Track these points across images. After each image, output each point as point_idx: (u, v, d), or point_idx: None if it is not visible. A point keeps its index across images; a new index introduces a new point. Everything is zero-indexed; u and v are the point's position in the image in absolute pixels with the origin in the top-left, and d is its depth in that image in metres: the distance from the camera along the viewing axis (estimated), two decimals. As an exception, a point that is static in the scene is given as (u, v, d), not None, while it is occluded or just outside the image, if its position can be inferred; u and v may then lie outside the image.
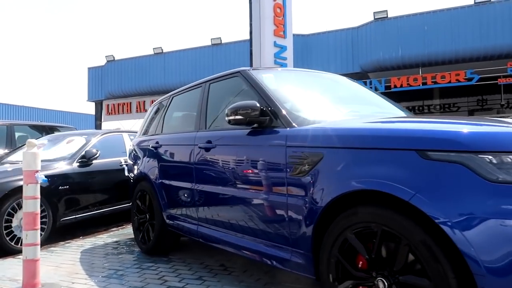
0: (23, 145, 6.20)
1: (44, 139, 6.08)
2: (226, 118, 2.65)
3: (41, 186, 4.47)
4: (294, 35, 19.00)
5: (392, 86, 17.58)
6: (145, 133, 4.58)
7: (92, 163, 5.29)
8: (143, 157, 4.23)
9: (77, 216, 5.00)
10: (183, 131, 3.64)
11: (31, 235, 2.82)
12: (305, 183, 2.18)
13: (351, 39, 18.17)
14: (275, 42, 10.21)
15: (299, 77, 3.40)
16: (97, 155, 5.29)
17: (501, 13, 15.46)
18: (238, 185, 2.70)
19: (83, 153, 5.25)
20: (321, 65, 17.70)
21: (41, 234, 4.40)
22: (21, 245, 4.22)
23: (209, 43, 20.48)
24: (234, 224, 2.76)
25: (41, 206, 4.44)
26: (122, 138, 6.16)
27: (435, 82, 16.96)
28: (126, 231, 5.16)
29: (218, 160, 2.97)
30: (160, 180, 3.74)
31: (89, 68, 24.82)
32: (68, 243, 4.57)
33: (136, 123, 24.39)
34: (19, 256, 3.98)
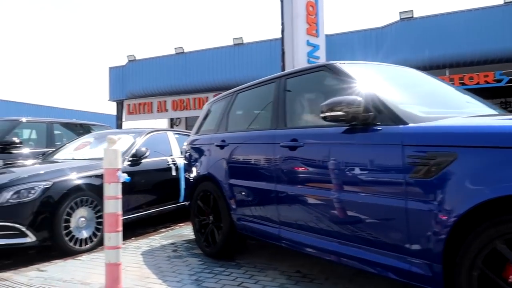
0: (69, 141, 6.13)
1: (89, 137, 5.98)
2: (322, 115, 2.47)
3: (94, 186, 4.47)
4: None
5: (419, 87, 17.24)
6: (203, 131, 4.44)
7: (141, 162, 5.16)
8: (205, 156, 4.08)
9: (128, 217, 4.87)
10: (256, 129, 3.49)
11: (113, 238, 2.68)
12: (432, 186, 1.99)
13: (375, 39, 17.87)
14: (308, 41, 10.06)
15: (387, 71, 3.21)
16: (147, 154, 5.16)
17: (534, 12, 15.06)
18: (337, 187, 2.51)
19: (134, 151, 5.13)
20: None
21: (95, 236, 4.34)
22: (79, 246, 4.17)
23: (231, 43, 20.35)
24: (331, 230, 2.57)
25: (97, 206, 4.39)
26: (167, 137, 6.03)
27: (463, 83, 16.58)
28: (177, 232, 5.02)
29: (309, 160, 2.80)
30: (229, 180, 3.58)
31: (110, 68, 24.90)
32: (123, 244, 4.43)
33: (156, 123, 24.46)
34: (79, 258, 3.89)
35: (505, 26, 15.33)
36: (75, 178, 4.27)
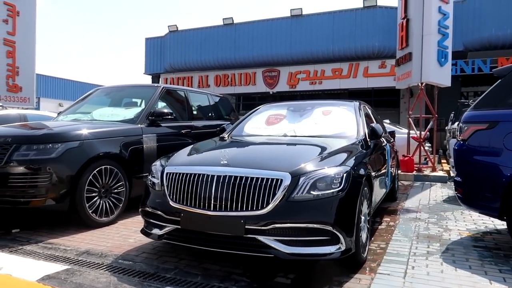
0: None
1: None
2: None
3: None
4: (391, 8, 17.38)
5: (500, 66, 15.95)
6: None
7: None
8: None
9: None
10: None
11: None
12: None
13: (454, 14, 16.46)
14: (440, 7, 8.71)
15: None
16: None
17: None
18: None
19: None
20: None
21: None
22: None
23: (288, 15, 18.90)
24: None
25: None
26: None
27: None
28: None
29: None
30: None
31: (147, 39, 23.45)
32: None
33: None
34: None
35: None
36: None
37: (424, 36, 8.60)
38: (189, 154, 3.29)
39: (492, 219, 4.37)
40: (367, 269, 2.83)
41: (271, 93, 20.11)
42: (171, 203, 2.77)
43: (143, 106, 5.08)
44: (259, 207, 2.51)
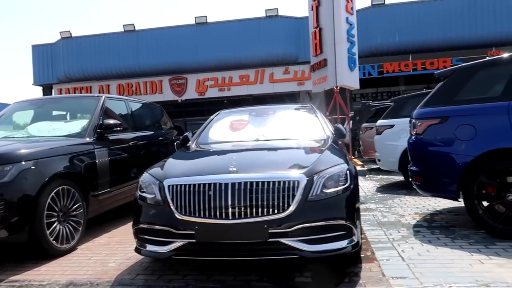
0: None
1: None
2: None
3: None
4: (291, 17, 18.52)
5: (385, 72, 18.19)
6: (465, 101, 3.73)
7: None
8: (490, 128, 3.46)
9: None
10: None
11: None
12: None
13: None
14: (347, 18, 9.64)
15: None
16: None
17: (488, 5, 16.89)
18: None
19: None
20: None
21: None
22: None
23: (193, 22, 18.86)
24: None
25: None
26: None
27: (425, 68, 17.97)
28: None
29: None
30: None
31: (33, 46, 21.17)
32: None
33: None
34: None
35: (464, 17, 16.91)
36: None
37: (336, 44, 9.40)
38: (182, 165, 3.15)
39: (428, 202, 5.02)
40: (367, 258, 3.05)
41: (179, 101, 19.79)
42: (179, 216, 2.64)
43: (86, 118, 4.66)
44: (280, 210, 2.55)
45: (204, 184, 2.65)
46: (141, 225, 2.79)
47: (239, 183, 2.60)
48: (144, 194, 2.90)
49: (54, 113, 4.93)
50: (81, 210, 3.91)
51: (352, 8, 9.79)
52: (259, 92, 19.01)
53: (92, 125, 4.47)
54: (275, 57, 18.43)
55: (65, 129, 4.43)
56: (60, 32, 20.01)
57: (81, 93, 20.70)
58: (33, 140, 3.93)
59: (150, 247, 2.79)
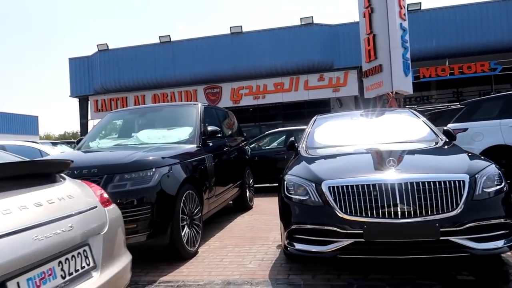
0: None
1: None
2: None
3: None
4: (326, 25, 18.64)
5: (421, 77, 18.09)
6: None
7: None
8: None
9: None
10: None
11: None
12: None
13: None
14: (401, 24, 9.70)
15: None
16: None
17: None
18: None
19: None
20: (349, 55, 17.58)
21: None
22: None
23: (228, 32, 19.14)
24: None
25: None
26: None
27: (462, 73, 17.80)
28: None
29: None
30: None
31: (70, 59, 21.73)
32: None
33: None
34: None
35: (502, 20, 16.75)
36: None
37: (391, 50, 9.46)
38: (328, 167, 3.24)
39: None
40: (513, 257, 3.08)
41: (214, 109, 20.00)
42: (345, 216, 2.72)
43: (189, 125, 4.80)
44: (450, 209, 2.61)
45: (368, 185, 2.73)
46: (301, 226, 2.88)
47: (406, 183, 2.67)
48: (295, 196, 2.99)
49: (157, 121, 5.09)
50: (200, 214, 4.03)
51: (405, 14, 9.86)
52: (294, 99, 19.11)
53: (198, 132, 4.61)
54: (310, 64, 18.53)
55: (174, 136, 4.58)
56: (97, 45, 20.50)
57: (117, 104, 21.17)
58: (155, 148, 4.07)
59: (301, 246, 2.87)
